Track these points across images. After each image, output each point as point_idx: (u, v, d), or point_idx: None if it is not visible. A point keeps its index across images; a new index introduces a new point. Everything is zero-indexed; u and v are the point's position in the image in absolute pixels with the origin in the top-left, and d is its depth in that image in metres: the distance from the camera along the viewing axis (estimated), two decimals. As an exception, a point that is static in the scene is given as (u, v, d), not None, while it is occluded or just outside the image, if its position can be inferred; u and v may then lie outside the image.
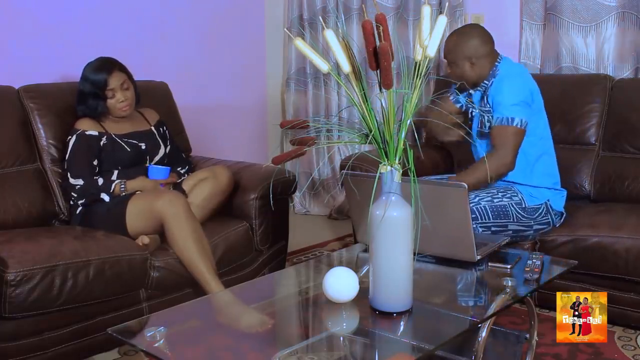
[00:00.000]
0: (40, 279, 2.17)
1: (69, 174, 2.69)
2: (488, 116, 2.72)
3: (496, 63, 2.76)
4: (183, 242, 2.49)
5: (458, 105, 2.98)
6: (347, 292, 1.80)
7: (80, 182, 2.67)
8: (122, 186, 2.69)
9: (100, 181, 2.69)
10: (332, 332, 1.83)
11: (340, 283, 1.80)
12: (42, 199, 2.76)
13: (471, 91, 2.83)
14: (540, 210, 2.67)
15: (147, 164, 2.85)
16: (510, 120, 2.61)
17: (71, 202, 2.72)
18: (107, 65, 2.76)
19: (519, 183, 2.71)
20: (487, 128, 2.73)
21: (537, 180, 2.72)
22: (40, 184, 2.78)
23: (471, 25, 2.88)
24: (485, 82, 2.76)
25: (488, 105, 2.72)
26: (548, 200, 2.70)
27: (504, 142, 2.62)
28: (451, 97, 3.01)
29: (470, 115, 2.87)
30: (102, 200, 2.68)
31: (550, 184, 2.76)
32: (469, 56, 2.72)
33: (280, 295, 2.19)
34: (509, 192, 2.66)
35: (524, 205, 2.64)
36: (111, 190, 2.68)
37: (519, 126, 2.61)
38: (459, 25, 3.76)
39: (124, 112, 2.80)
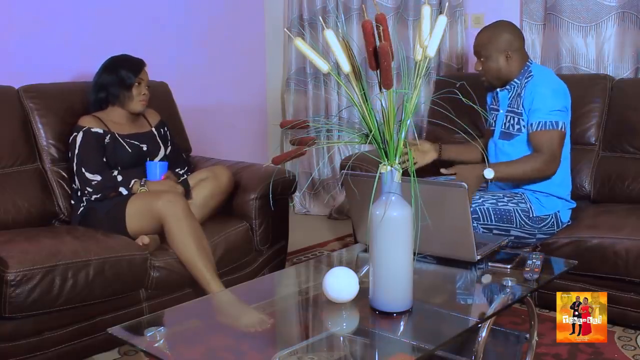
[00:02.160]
0: (40, 279, 2.17)
1: (83, 169, 2.68)
2: (519, 118, 2.69)
3: (527, 63, 2.73)
4: (183, 242, 2.49)
5: (492, 128, 2.91)
6: (347, 292, 1.80)
7: (98, 177, 2.67)
8: (143, 186, 2.69)
9: (120, 177, 2.70)
10: (332, 332, 1.83)
11: (340, 283, 1.80)
12: (42, 199, 2.76)
13: (498, 90, 2.80)
14: (547, 221, 2.65)
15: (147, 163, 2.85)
16: (555, 124, 2.59)
17: (85, 197, 2.69)
18: (141, 61, 2.87)
19: (531, 190, 2.69)
20: (515, 130, 2.70)
21: (553, 188, 2.68)
22: (40, 184, 2.78)
23: (503, 21, 2.85)
24: (516, 81, 2.72)
25: (521, 108, 2.68)
26: (558, 212, 2.68)
27: (550, 146, 2.59)
28: (487, 124, 2.96)
29: (494, 116, 2.84)
30: (120, 193, 2.67)
31: (564, 194, 2.73)
32: (504, 49, 2.68)
33: (280, 295, 2.19)
34: (516, 197, 2.64)
35: (530, 214, 2.62)
36: (130, 186, 2.69)
37: (562, 130, 2.61)
38: (459, 25, 3.78)
39: (141, 106, 2.84)
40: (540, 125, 2.60)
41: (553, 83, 2.69)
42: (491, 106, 2.87)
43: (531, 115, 2.64)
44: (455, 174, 2.56)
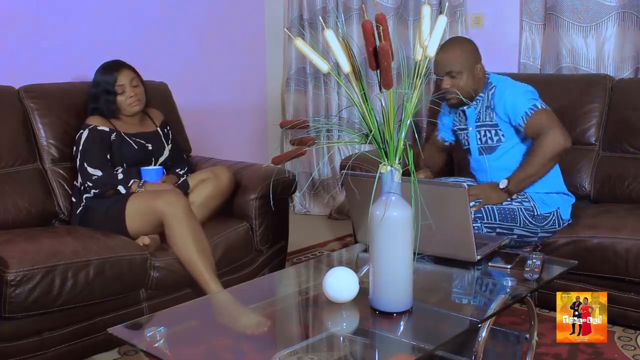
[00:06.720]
0: (40, 279, 2.17)
1: (85, 163, 2.69)
2: (495, 129, 2.69)
3: (487, 75, 2.75)
4: (183, 242, 2.49)
5: (446, 143, 3.01)
6: (347, 292, 1.80)
7: (99, 172, 2.67)
8: (140, 188, 2.69)
9: (120, 176, 2.70)
10: (332, 332, 1.83)
11: (340, 283, 1.80)
12: (42, 199, 2.76)
13: (464, 108, 2.78)
14: (549, 219, 2.65)
15: (150, 166, 2.85)
16: (534, 107, 2.60)
17: (85, 193, 2.69)
18: (115, 64, 2.83)
19: (533, 190, 2.68)
20: (495, 141, 2.70)
21: (550, 185, 2.68)
22: (40, 184, 2.78)
23: (458, 37, 2.87)
24: (481, 95, 2.73)
25: (495, 119, 2.68)
26: (558, 209, 2.68)
27: (549, 121, 2.59)
28: (439, 136, 3.02)
29: (464, 136, 2.83)
30: (118, 191, 2.67)
31: (561, 188, 2.74)
32: (474, 63, 2.69)
33: (280, 295, 2.19)
34: (520, 196, 2.64)
35: (534, 213, 2.62)
36: (128, 185, 2.69)
37: (544, 107, 2.61)
38: (460, 25, 3.77)
39: (134, 108, 2.82)
40: (528, 114, 2.60)
41: (516, 84, 2.72)
42: (458, 127, 2.86)
43: (513, 115, 2.64)
44: (477, 194, 2.57)
